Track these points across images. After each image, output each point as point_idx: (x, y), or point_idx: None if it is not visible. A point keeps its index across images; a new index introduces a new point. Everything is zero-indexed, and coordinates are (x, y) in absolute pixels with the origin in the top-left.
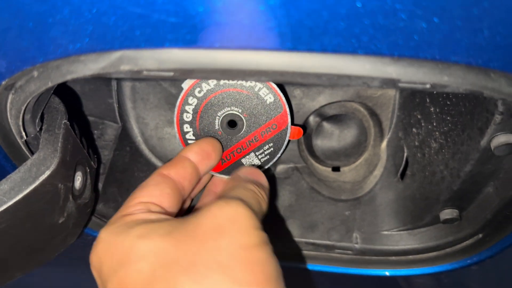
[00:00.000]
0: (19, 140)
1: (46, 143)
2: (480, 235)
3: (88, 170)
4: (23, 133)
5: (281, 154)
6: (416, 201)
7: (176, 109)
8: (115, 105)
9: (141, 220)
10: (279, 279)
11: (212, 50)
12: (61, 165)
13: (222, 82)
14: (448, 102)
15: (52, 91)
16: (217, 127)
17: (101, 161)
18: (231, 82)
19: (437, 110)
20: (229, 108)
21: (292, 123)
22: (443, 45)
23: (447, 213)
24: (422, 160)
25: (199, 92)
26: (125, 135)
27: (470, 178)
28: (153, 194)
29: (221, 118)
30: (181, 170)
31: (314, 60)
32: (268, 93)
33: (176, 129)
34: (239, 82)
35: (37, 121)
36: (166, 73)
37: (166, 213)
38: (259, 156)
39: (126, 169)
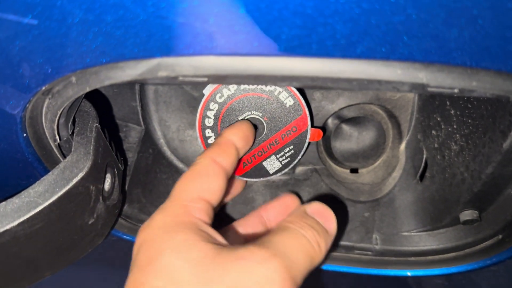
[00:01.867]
0: (52, 143)
1: (79, 146)
2: (500, 236)
3: (116, 172)
4: (57, 137)
5: (302, 156)
6: (435, 202)
7: (198, 115)
8: (139, 108)
9: (194, 225)
10: None
11: (246, 57)
12: (93, 167)
13: (242, 87)
14: (469, 105)
15: (83, 96)
16: None
17: (127, 162)
18: (251, 86)
19: (458, 113)
20: (249, 112)
21: (312, 125)
22: (474, 52)
23: (467, 214)
24: (442, 162)
25: (220, 97)
26: (148, 138)
27: (491, 180)
28: (212, 189)
29: None
30: (229, 159)
31: (346, 65)
32: (288, 97)
33: (198, 134)
34: (259, 86)
35: (69, 125)
36: (201, 79)
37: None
38: (280, 159)
39: (149, 171)
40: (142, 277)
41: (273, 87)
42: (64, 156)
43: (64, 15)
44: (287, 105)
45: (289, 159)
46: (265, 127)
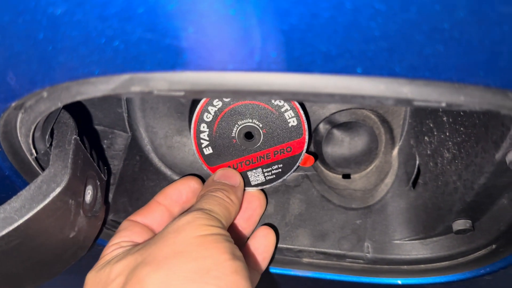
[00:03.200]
0: (29, 157)
1: (56, 159)
2: (494, 246)
3: (99, 183)
4: (33, 151)
5: (287, 177)
6: (428, 210)
7: (199, 106)
8: (125, 115)
9: (115, 254)
10: (235, 256)
11: (223, 72)
12: (72, 181)
13: None
14: (461, 113)
15: (61, 107)
16: (233, 134)
17: (111, 172)
18: None
19: (450, 120)
20: (250, 120)
21: (307, 151)
22: (460, 68)
23: (460, 224)
24: (435, 170)
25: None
26: (134, 145)
27: (484, 191)
28: (123, 235)
29: (240, 127)
30: (148, 215)
31: (328, 81)
32: (293, 117)
33: (193, 125)
34: None
35: (47, 137)
36: (177, 93)
37: None
38: (266, 174)
39: (136, 179)
40: None
41: (282, 103)
42: (43, 169)
43: (28, 32)
44: (290, 125)
45: (274, 176)
46: (261, 139)
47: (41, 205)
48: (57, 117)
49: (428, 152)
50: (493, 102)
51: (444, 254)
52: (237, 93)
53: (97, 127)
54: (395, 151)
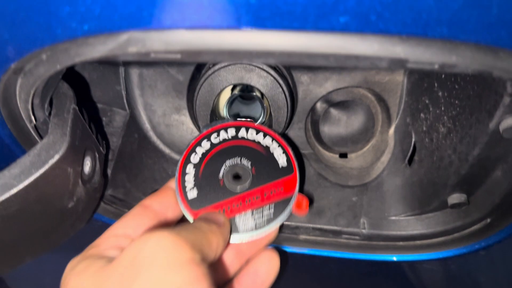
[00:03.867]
0: (28, 125)
1: (55, 128)
2: (488, 220)
3: (97, 155)
4: (32, 118)
5: (281, 223)
6: (423, 186)
7: (186, 148)
8: (123, 92)
9: (96, 255)
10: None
11: (219, 30)
12: (70, 149)
13: (240, 134)
14: (456, 86)
15: (61, 76)
16: (220, 175)
17: (110, 148)
18: (248, 136)
19: (445, 94)
20: (239, 159)
21: (301, 189)
22: (451, 23)
23: (455, 198)
24: (430, 145)
25: (215, 138)
26: (133, 122)
27: (479, 162)
28: (128, 225)
29: (227, 167)
30: (164, 199)
31: (322, 40)
32: (282, 155)
33: (178, 166)
34: (257, 139)
35: (46, 106)
36: (174, 55)
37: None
38: (256, 218)
39: (134, 156)
40: None
41: (270, 142)
42: (42, 138)
43: None
44: (279, 163)
45: (265, 221)
46: (250, 179)
47: (40, 172)
48: (56, 87)
49: (424, 128)
50: (485, 62)
51: (439, 229)
52: (234, 54)
53: (96, 104)
54: (392, 130)
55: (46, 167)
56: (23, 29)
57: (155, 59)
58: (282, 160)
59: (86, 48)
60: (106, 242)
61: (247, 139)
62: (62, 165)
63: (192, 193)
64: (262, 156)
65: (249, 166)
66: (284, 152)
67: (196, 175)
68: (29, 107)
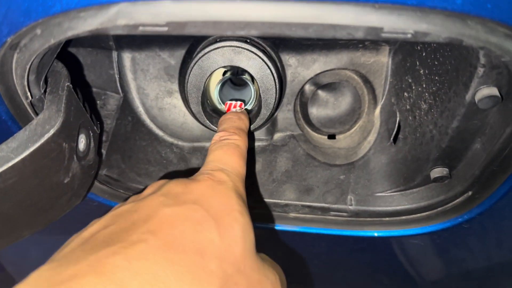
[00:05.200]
0: (24, 101)
1: (50, 104)
2: (470, 193)
3: (92, 134)
4: (29, 94)
5: None
6: (408, 162)
7: None
8: (116, 76)
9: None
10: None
11: (203, 1)
12: (65, 125)
13: None
14: (436, 62)
15: (55, 55)
16: None
17: (104, 129)
18: None
19: (426, 71)
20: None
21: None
22: None
23: (437, 172)
24: (413, 123)
25: None
26: (126, 105)
27: (458, 135)
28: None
29: None
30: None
31: (300, 9)
32: None
33: None
34: None
35: (41, 83)
36: (161, 28)
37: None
38: None
39: (128, 138)
40: None
41: None
42: (37, 115)
43: None
44: None
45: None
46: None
47: (36, 145)
48: (51, 65)
49: (408, 107)
50: (454, 30)
51: (424, 204)
52: (218, 25)
53: (90, 88)
54: (377, 110)
55: (42, 141)
56: (19, 2)
57: (144, 33)
58: None
59: (78, 22)
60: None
61: None
62: (57, 140)
63: None
64: None
65: None
66: None
67: None
68: (25, 83)
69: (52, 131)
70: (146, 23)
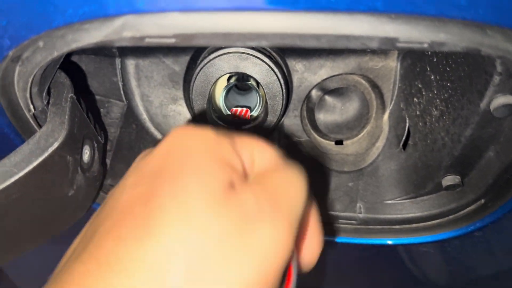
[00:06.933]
0: (27, 114)
1: (54, 116)
2: (483, 201)
3: (96, 144)
4: (31, 106)
5: None
6: (418, 169)
7: None
8: (120, 84)
9: None
10: None
11: (212, 13)
12: (69, 137)
13: None
14: (447, 68)
15: (58, 66)
16: None
17: (108, 138)
18: None
19: (437, 77)
20: None
21: None
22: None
23: (449, 180)
24: (424, 129)
25: None
26: (130, 113)
27: (471, 143)
28: None
29: None
30: None
31: (313, 20)
32: None
33: None
34: None
35: (44, 94)
36: (168, 40)
37: None
38: None
39: (133, 146)
40: None
41: None
42: (41, 127)
43: None
44: None
45: None
46: None
47: (40, 159)
48: (53, 77)
49: (418, 112)
50: (473, 40)
51: (435, 212)
52: (228, 37)
53: (93, 95)
54: (386, 115)
55: (45, 154)
56: (20, 15)
57: (150, 44)
58: None
59: (82, 34)
60: None
61: None
62: (61, 153)
63: None
64: None
65: None
66: None
67: None
68: (28, 95)
69: (56, 144)
70: (152, 35)
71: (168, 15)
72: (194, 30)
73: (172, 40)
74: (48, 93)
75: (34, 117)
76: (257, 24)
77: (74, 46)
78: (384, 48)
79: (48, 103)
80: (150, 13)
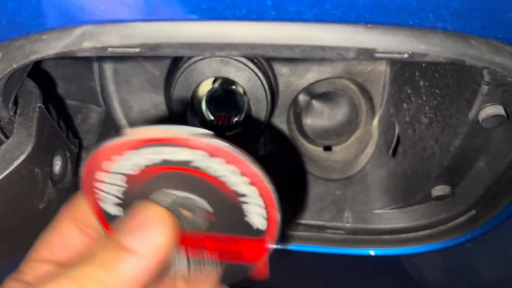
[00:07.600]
0: None
1: (21, 128)
2: (473, 212)
3: (69, 154)
4: None
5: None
6: (407, 178)
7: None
8: (98, 88)
9: None
10: None
11: (178, 22)
12: (37, 149)
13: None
14: (436, 75)
15: (26, 74)
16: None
17: (84, 146)
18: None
19: (426, 83)
20: (187, 194)
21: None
22: (416, 9)
23: (438, 190)
24: (413, 136)
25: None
26: (109, 119)
27: (460, 153)
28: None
29: (177, 200)
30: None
31: (284, 30)
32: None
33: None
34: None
35: (10, 105)
36: (132, 49)
37: None
38: (191, 267)
39: None
40: None
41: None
42: (8, 138)
43: None
44: (252, 225)
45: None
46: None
47: (5, 173)
48: (21, 86)
49: (407, 119)
50: (456, 51)
51: (424, 222)
52: (194, 47)
53: (70, 101)
54: (375, 121)
55: (11, 168)
56: None
57: (114, 54)
58: (257, 219)
59: (41, 45)
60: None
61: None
62: (29, 166)
63: (115, 210)
64: (224, 199)
65: (209, 210)
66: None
67: (127, 191)
68: None
69: (22, 157)
70: (115, 45)
71: (131, 25)
72: (158, 40)
73: (137, 50)
74: (16, 103)
75: (0, 128)
76: (225, 34)
77: (33, 57)
78: (362, 58)
79: (15, 112)
80: (112, 23)
